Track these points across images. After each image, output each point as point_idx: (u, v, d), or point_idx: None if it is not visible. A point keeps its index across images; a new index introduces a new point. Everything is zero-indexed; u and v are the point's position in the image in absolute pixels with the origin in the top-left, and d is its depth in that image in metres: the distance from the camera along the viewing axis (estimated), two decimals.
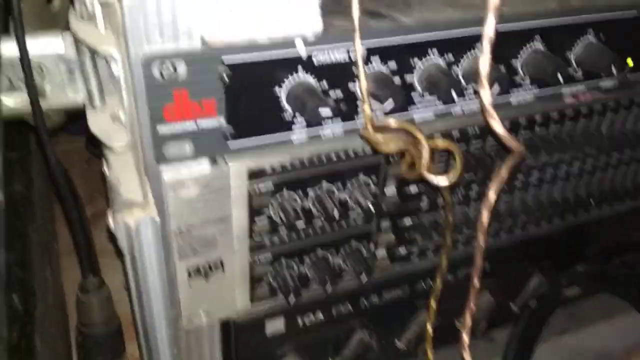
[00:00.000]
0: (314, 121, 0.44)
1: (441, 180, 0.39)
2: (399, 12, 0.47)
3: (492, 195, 0.40)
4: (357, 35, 0.37)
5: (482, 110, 0.36)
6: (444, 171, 0.54)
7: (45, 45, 0.39)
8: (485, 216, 0.41)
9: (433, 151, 0.40)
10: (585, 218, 0.68)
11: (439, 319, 0.66)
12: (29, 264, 0.52)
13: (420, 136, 0.38)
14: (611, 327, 0.78)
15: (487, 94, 0.36)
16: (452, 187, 0.51)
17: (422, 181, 0.41)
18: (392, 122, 0.41)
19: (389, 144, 0.39)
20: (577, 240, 0.71)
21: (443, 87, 0.45)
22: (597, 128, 0.60)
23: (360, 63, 0.38)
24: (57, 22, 0.40)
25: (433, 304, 0.53)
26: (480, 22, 0.47)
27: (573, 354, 0.74)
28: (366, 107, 0.39)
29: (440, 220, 0.57)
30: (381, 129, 0.40)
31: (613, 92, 0.58)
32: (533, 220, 0.64)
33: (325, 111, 0.41)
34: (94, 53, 0.36)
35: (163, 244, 0.44)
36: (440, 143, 0.42)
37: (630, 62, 0.56)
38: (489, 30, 0.35)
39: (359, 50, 0.38)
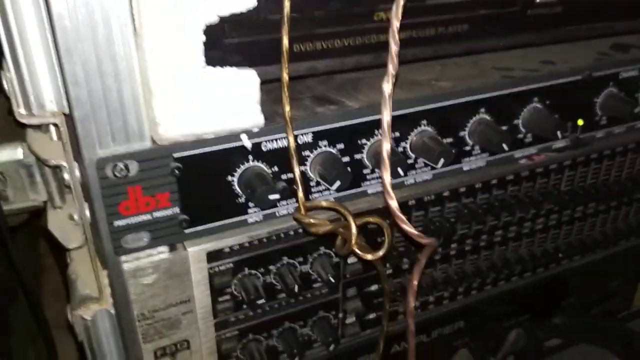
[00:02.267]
0: (264, 207, 0.46)
1: (369, 256, 0.41)
2: (346, 96, 0.50)
3: (415, 283, 0.42)
4: (289, 129, 0.40)
5: (394, 216, 0.39)
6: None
7: (6, 155, 0.42)
8: (411, 302, 0.43)
9: (364, 227, 0.42)
10: (558, 270, 0.69)
11: None
12: (10, 350, 0.53)
13: (348, 216, 0.41)
14: None
15: (394, 203, 0.38)
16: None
17: (354, 256, 0.43)
18: (323, 203, 0.43)
19: (319, 227, 0.42)
20: (552, 292, 0.72)
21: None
22: (556, 186, 0.61)
23: (292, 152, 0.40)
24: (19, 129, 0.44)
25: None
26: (424, 100, 0.50)
27: None
28: (299, 193, 0.41)
29: (406, 284, 0.58)
30: (314, 209, 0.43)
31: (568, 151, 0.60)
32: (503, 277, 0.65)
33: (274, 197, 0.44)
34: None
35: (126, 330, 0.45)
36: (371, 219, 0.44)
37: (580, 122, 0.59)
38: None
39: (291, 141, 0.40)
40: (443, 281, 0.60)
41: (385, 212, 0.52)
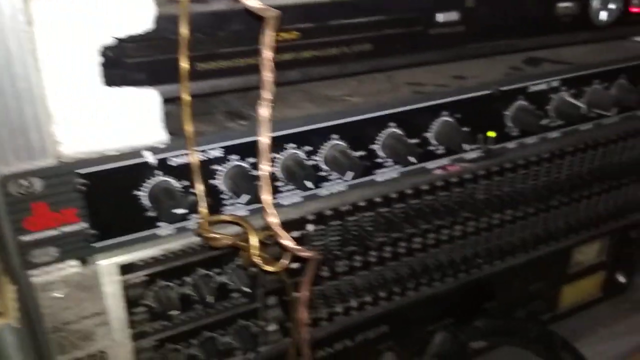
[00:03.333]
0: (171, 221, 0.47)
1: (270, 268, 0.43)
2: (255, 110, 0.51)
3: (305, 294, 0.44)
4: (191, 147, 0.41)
5: (275, 231, 0.40)
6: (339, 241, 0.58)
7: None
8: (302, 312, 0.45)
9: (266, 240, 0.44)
10: (479, 275, 0.71)
11: None
12: None
13: (249, 229, 0.42)
14: None
15: (275, 220, 0.39)
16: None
17: (257, 267, 0.44)
18: (225, 217, 0.45)
19: (220, 240, 0.43)
20: (475, 296, 0.75)
21: (298, 178, 0.49)
22: (471, 195, 0.64)
23: (194, 169, 0.42)
24: None
25: None
26: (334, 115, 0.52)
27: None
28: (202, 208, 0.42)
29: (327, 292, 0.60)
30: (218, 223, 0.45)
31: (481, 162, 0.63)
32: (424, 282, 0.67)
33: (180, 211, 0.45)
34: None
35: (39, 343, 0.46)
36: (271, 233, 0.46)
37: (492, 134, 0.62)
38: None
39: (193, 159, 0.42)
40: (363, 287, 0.62)
41: (300, 222, 0.54)
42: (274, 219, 0.40)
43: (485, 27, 0.53)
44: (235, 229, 0.49)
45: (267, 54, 0.35)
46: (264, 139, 0.39)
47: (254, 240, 0.42)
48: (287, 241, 0.40)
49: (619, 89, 0.68)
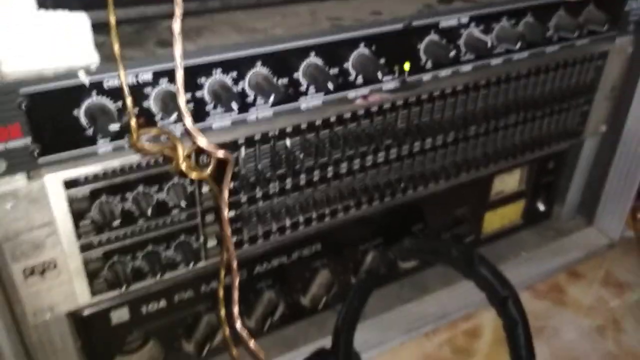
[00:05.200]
0: (107, 136, 0.52)
1: (194, 175, 0.49)
2: (187, 40, 0.57)
3: (225, 195, 0.50)
4: (120, 66, 0.46)
5: (189, 134, 0.46)
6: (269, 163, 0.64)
7: None
8: (225, 210, 0.51)
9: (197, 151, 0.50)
10: (405, 199, 0.79)
11: (281, 298, 0.76)
12: None
13: (174, 139, 0.48)
14: (450, 293, 0.89)
15: (189, 121, 0.45)
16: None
17: (185, 176, 0.50)
18: (153, 130, 0.51)
19: (153, 149, 0.49)
20: (403, 218, 0.82)
21: (223, 101, 0.55)
22: (392, 123, 0.71)
23: (125, 88, 0.47)
24: None
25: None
26: (258, 43, 0.58)
27: (415, 319, 0.85)
28: (132, 122, 0.48)
29: (261, 211, 0.67)
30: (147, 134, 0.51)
31: (399, 92, 0.69)
32: (353, 205, 0.74)
33: (115, 127, 0.50)
34: None
35: None
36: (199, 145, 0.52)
37: (407, 66, 0.68)
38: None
39: (121, 76, 0.47)
40: (295, 208, 0.69)
41: (231, 146, 0.60)
42: (189, 122, 0.45)
43: None
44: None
45: None
46: (177, 49, 0.44)
47: (180, 148, 0.48)
48: (201, 139, 0.46)
49: (525, 26, 0.75)
